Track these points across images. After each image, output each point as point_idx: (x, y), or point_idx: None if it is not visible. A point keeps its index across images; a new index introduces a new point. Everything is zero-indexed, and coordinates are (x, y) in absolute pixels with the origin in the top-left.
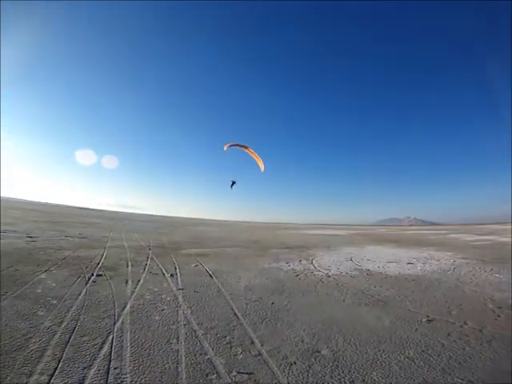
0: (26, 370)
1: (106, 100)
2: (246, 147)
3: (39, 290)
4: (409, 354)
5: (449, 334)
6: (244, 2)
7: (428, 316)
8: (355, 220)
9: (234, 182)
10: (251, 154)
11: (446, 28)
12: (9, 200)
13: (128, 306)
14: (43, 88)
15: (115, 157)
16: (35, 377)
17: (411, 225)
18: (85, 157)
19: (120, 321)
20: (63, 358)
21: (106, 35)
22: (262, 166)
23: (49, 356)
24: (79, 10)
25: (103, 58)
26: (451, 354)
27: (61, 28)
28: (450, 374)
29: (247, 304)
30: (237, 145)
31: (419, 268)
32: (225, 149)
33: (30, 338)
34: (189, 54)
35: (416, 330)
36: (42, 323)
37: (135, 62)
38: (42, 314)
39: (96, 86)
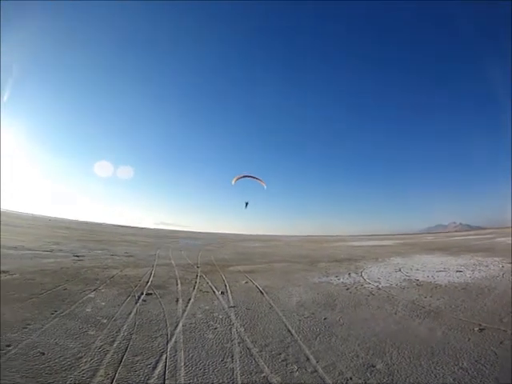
0: None
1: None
2: (249, 176)
3: (89, 309)
4: (462, 364)
5: (501, 343)
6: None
7: (480, 325)
8: (401, 229)
9: (247, 203)
10: (255, 180)
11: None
12: (52, 219)
13: (180, 324)
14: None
15: (131, 167)
16: None
17: (456, 230)
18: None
19: (173, 340)
20: (116, 377)
21: (119, 41)
22: (263, 185)
23: (101, 376)
24: (86, 8)
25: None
26: (504, 363)
27: (68, 30)
28: None
29: (300, 320)
30: (242, 177)
31: (468, 276)
32: (232, 183)
33: (81, 357)
34: (211, 58)
35: (469, 339)
36: (93, 342)
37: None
38: (92, 333)
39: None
